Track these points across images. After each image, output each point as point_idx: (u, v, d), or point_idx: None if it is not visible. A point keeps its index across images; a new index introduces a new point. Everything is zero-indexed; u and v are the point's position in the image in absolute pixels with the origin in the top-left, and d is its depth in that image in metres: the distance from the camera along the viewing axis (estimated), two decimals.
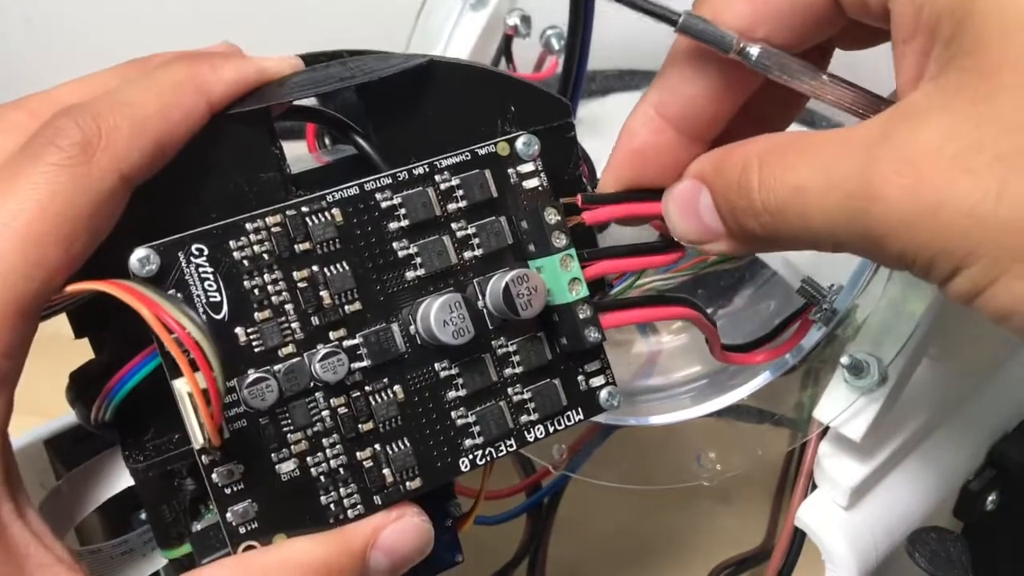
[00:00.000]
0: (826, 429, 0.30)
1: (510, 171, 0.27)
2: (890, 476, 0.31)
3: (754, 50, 0.23)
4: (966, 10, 0.19)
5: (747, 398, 0.32)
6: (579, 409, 0.27)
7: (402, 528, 0.24)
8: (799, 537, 0.31)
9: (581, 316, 0.26)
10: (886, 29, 0.22)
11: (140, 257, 0.23)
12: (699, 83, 0.25)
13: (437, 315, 0.24)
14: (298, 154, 0.31)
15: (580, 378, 0.27)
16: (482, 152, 0.26)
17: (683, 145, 0.26)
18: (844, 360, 0.29)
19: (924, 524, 0.30)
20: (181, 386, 0.22)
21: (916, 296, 0.28)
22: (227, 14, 0.59)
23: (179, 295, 0.23)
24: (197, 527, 0.25)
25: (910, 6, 0.20)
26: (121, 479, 0.26)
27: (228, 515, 0.23)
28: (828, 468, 0.30)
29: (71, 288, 0.21)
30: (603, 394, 0.27)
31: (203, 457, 0.23)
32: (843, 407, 0.29)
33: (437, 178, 0.26)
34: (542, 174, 0.27)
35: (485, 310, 0.26)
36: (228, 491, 0.23)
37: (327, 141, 0.31)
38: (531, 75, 0.42)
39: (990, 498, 0.33)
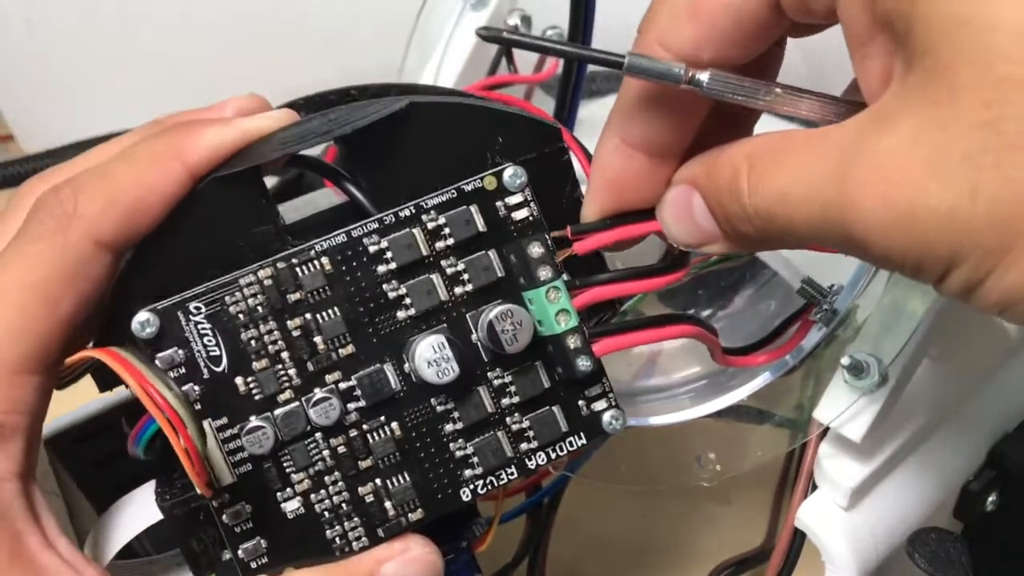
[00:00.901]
0: (826, 430, 0.31)
1: (498, 204, 0.28)
2: (890, 477, 0.31)
3: (703, 76, 0.23)
4: (909, 9, 0.19)
5: (747, 399, 0.32)
6: (581, 434, 0.28)
7: (407, 560, 0.26)
8: (799, 538, 0.32)
9: (571, 347, 0.27)
10: (833, 23, 0.22)
11: (141, 320, 0.25)
12: (658, 112, 0.25)
13: (419, 356, 0.26)
14: None
15: (581, 403, 0.28)
16: (468, 188, 0.27)
17: (656, 166, 0.26)
18: (844, 361, 0.29)
19: (924, 525, 0.31)
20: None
21: (916, 296, 0.28)
22: (227, 16, 0.60)
23: (180, 352, 0.25)
24: (226, 556, 0.27)
25: (859, 7, 0.20)
26: (148, 516, 0.28)
27: (240, 552, 0.26)
28: (828, 469, 0.30)
29: (69, 360, 0.24)
30: (606, 417, 0.28)
31: (213, 501, 0.25)
32: (843, 408, 0.29)
33: (424, 218, 0.27)
34: (532, 203, 0.28)
35: (479, 343, 0.27)
36: (238, 530, 0.26)
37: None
38: (531, 76, 0.42)
39: (990, 499, 0.33)
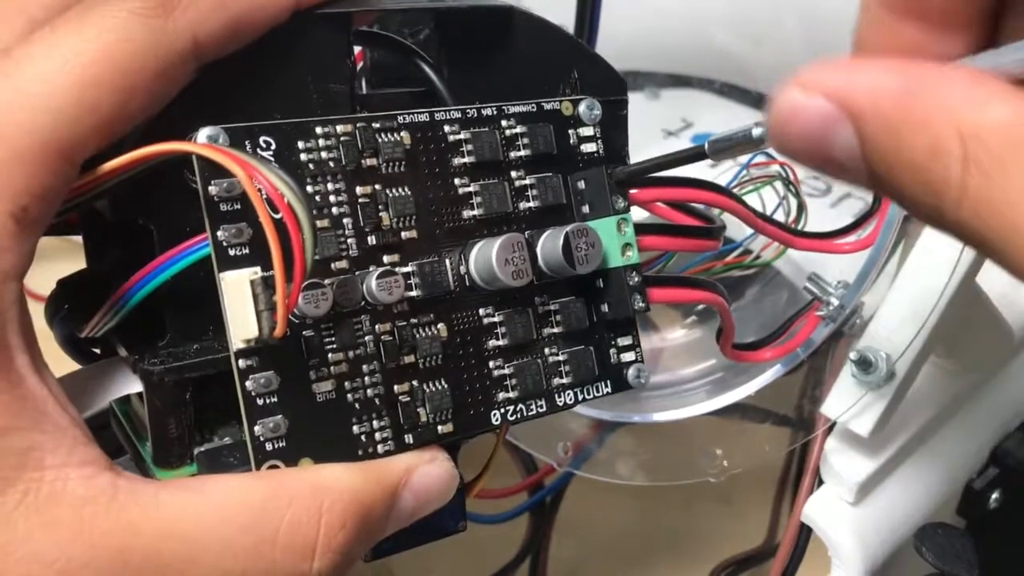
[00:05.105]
0: (832, 425, 0.32)
1: (570, 132, 0.28)
2: (895, 473, 0.33)
3: None
4: None
5: (753, 395, 0.33)
6: (608, 382, 0.28)
7: (433, 472, 0.24)
8: (805, 533, 0.32)
9: (630, 282, 0.27)
10: None
11: (209, 135, 0.22)
12: None
13: (499, 253, 0.25)
14: None
15: (612, 351, 0.28)
16: (547, 107, 0.27)
17: (936, 37, 0.19)
18: (852, 355, 0.30)
19: (929, 521, 0.32)
20: (237, 276, 0.22)
21: (924, 293, 0.30)
22: None
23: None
24: (202, 449, 0.24)
25: None
26: (116, 387, 0.24)
27: (258, 428, 0.22)
28: (835, 464, 0.32)
29: (125, 159, 0.21)
30: (631, 371, 0.28)
31: (240, 361, 0.22)
32: (851, 402, 0.31)
33: (503, 123, 0.27)
34: (599, 140, 0.28)
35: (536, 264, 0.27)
36: (261, 402, 0.22)
37: (364, 87, 0.31)
38: None
39: (993, 496, 0.35)
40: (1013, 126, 0.15)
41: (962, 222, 0.15)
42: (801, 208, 0.41)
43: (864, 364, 0.31)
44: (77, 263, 0.27)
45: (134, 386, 0.24)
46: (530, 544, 0.38)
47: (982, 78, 0.16)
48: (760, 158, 0.43)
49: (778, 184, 0.43)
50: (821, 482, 0.32)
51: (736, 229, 0.37)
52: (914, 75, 0.16)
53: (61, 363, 0.25)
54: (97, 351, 0.27)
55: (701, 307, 0.42)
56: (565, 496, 0.38)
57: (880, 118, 0.16)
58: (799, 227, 0.38)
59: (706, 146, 0.24)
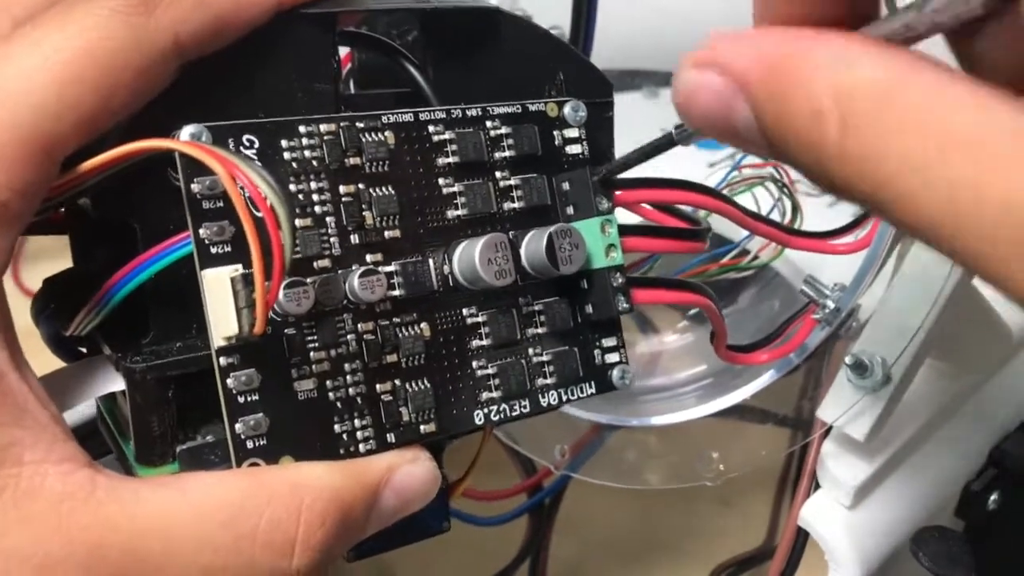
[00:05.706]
0: (829, 429, 0.32)
1: (555, 133, 0.28)
2: (892, 476, 0.33)
3: None
4: None
5: (750, 398, 0.33)
6: (592, 383, 0.28)
7: (415, 471, 0.24)
8: (802, 536, 0.33)
9: (614, 283, 0.27)
10: None
11: (192, 133, 0.22)
12: None
13: (482, 252, 0.25)
14: None
15: (596, 352, 0.28)
16: (532, 108, 0.28)
17: None
18: (848, 359, 0.30)
19: (926, 524, 0.32)
20: (217, 274, 0.22)
21: (920, 296, 0.30)
22: None
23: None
24: (184, 447, 0.24)
25: None
26: (99, 386, 0.24)
27: (238, 425, 0.22)
28: (831, 467, 0.32)
29: (103, 159, 0.21)
30: (615, 372, 0.28)
31: (221, 359, 0.22)
32: (847, 406, 0.31)
33: (488, 124, 0.27)
34: (584, 143, 0.28)
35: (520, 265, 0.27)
36: (242, 399, 0.23)
37: (352, 87, 0.31)
38: None
39: (991, 498, 0.35)
40: (883, 81, 0.15)
41: (848, 183, 0.15)
42: (796, 209, 0.41)
43: (859, 368, 0.31)
44: (69, 261, 0.28)
45: (117, 384, 0.24)
46: (530, 544, 0.38)
47: (854, 38, 0.16)
48: (753, 158, 0.43)
49: (772, 186, 0.43)
50: (818, 486, 0.32)
51: (733, 230, 0.38)
52: (791, 40, 0.16)
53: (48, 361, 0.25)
54: (83, 349, 0.27)
55: (699, 309, 0.42)
56: (565, 496, 0.38)
57: (764, 85, 0.16)
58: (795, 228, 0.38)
59: (673, 132, 0.24)
